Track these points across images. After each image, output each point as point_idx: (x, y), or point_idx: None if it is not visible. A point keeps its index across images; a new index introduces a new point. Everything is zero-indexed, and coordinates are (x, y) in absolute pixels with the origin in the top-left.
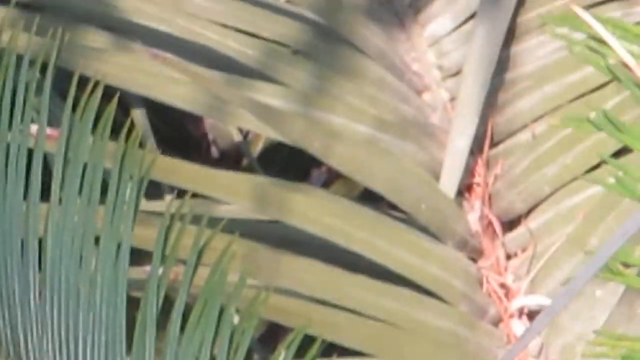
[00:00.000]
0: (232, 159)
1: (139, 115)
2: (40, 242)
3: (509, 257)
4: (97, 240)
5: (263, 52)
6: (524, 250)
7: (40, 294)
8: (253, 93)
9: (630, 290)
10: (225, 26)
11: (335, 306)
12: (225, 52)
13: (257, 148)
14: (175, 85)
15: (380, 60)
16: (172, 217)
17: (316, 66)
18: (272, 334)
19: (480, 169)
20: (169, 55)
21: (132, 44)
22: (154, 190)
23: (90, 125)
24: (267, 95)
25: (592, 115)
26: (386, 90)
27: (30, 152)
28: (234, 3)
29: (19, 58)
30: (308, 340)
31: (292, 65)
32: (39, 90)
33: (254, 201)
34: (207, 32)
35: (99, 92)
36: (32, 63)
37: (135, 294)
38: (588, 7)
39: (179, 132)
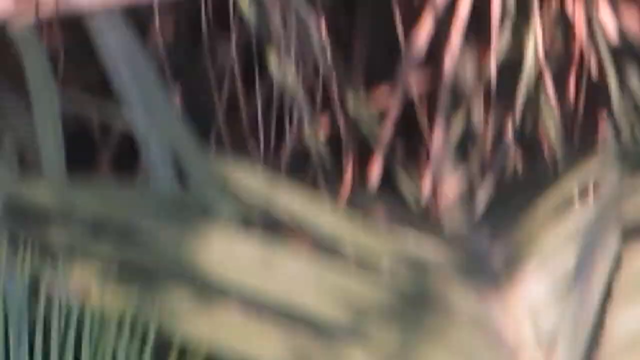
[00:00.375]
0: None
1: None
2: None
3: None
4: None
5: (354, 314)
6: None
7: None
8: (344, 355)
9: None
10: (315, 287)
11: None
12: (315, 313)
13: None
14: (266, 345)
15: (473, 323)
16: None
17: (406, 330)
18: None
19: None
20: (260, 314)
21: (223, 302)
22: None
23: None
24: (358, 358)
25: None
26: (479, 353)
27: None
28: (325, 266)
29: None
30: None
31: (381, 328)
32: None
33: None
34: (298, 293)
35: None
36: (127, 326)
37: None
38: None
39: None
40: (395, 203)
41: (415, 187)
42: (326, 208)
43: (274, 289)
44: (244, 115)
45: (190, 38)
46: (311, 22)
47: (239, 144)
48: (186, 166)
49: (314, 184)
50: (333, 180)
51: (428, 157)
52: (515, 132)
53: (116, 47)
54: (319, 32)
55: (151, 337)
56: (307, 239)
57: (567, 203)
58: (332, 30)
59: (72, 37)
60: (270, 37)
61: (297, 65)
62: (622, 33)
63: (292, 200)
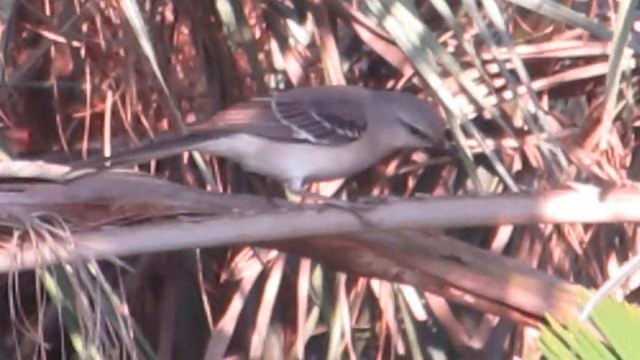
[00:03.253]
0: None
1: None
2: None
3: None
4: None
5: None
6: None
7: None
8: None
9: None
10: None
11: None
12: None
13: None
14: None
15: None
16: None
17: None
18: None
19: None
20: None
21: None
22: None
23: None
24: None
25: None
26: None
27: None
28: None
29: None
30: None
31: None
32: None
33: None
34: None
35: None
36: None
37: None
38: None
39: None
40: None
41: None
42: None
43: None
44: None
45: None
46: (117, 304)
47: None
48: None
49: None
50: None
51: None
52: None
53: None
54: (125, 314)
55: None
56: None
57: None
58: (138, 313)
59: None
60: (78, 319)
61: (104, 348)
62: (428, 309)
63: None
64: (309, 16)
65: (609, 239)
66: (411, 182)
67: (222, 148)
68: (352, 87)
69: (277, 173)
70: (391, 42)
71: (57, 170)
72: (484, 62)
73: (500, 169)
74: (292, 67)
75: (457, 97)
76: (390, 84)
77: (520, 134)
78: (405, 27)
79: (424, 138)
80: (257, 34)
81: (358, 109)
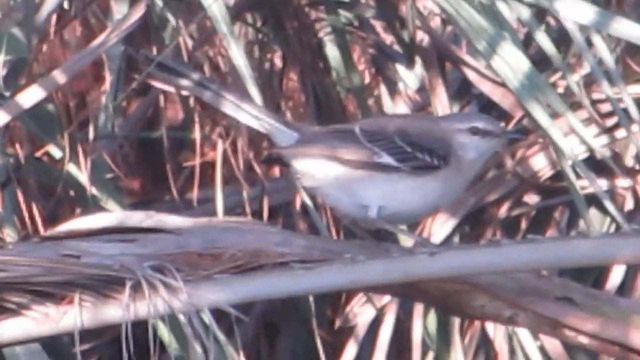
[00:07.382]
0: None
1: None
2: None
3: None
4: None
5: None
6: None
7: None
8: None
9: None
10: None
11: None
12: None
13: None
14: None
15: None
16: None
17: None
18: None
19: None
20: None
21: None
22: None
23: None
24: None
25: None
26: None
27: None
28: None
29: None
30: None
31: None
32: None
33: None
34: None
35: None
36: None
37: None
38: None
39: None
40: None
41: None
42: None
43: None
44: None
45: None
46: (232, 353)
47: None
48: None
49: None
50: None
51: None
52: None
53: None
54: None
55: None
56: None
57: None
58: None
59: None
60: None
61: None
62: (543, 351)
63: None
64: (418, 60)
65: None
66: (524, 224)
67: (298, 173)
68: (432, 119)
69: (355, 202)
70: (500, 84)
71: (168, 220)
72: (593, 102)
73: (612, 208)
74: (401, 111)
75: (569, 137)
76: None
77: (632, 173)
78: (514, 67)
79: (486, 135)
80: (367, 79)
81: (440, 141)
